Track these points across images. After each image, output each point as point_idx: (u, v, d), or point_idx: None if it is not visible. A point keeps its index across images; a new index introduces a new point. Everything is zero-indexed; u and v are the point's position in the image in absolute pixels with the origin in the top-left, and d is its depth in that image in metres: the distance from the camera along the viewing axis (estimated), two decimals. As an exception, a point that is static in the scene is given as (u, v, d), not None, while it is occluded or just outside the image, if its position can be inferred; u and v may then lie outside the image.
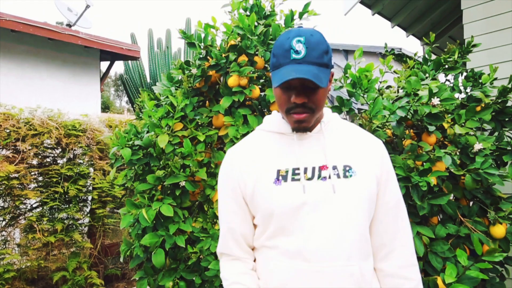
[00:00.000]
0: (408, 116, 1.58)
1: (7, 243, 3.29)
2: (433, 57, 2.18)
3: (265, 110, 1.94)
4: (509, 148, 1.80)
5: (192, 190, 1.70)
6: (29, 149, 3.14)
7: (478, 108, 1.91)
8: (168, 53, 9.87)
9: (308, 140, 1.02)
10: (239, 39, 1.86)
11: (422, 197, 1.43)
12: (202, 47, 1.89)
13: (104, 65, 6.13)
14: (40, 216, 3.34)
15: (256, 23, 1.88)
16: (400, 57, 2.50)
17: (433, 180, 1.40)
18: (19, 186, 3.20)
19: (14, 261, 3.30)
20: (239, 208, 1.05)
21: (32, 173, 3.26)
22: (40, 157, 3.34)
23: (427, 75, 2.03)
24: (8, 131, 3.10)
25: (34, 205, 3.44)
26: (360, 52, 1.81)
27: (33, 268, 3.34)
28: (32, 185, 3.33)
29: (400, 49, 11.26)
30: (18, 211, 3.33)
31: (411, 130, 1.87)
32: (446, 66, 1.92)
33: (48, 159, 3.46)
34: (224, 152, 1.82)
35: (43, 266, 3.41)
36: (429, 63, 2.06)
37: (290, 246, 0.95)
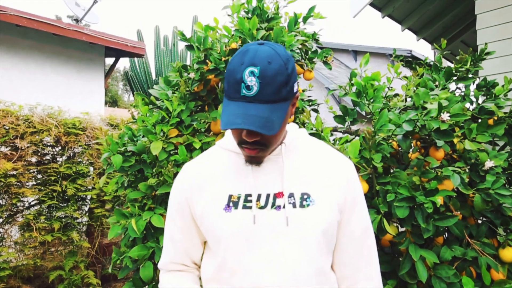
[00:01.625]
0: (415, 130, 1.49)
1: (3, 240, 3.26)
2: (445, 63, 2.08)
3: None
4: (522, 165, 1.70)
5: (186, 200, 1.63)
6: (27, 147, 3.10)
7: (491, 122, 1.81)
8: (174, 51, 9.81)
9: (265, 164, 0.92)
10: (240, 42, 1.78)
11: (427, 218, 1.34)
12: (201, 50, 1.81)
13: (109, 61, 6.09)
14: (38, 215, 3.29)
15: (258, 26, 1.80)
16: (410, 63, 2.40)
17: (439, 200, 1.31)
18: (17, 183, 3.16)
19: (10, 259, 3.27)
20: (185, 225, 0.98)
21: (31, 171, 3.21)
22: (39, 155, 3.30)
23: (437, 83, 1.93)
24: (7, 128, 3.06)
25: (32, 203, 3.40)
26: (367, 60, 1.72)
27: (29, 266, 3.30)
28: (31, 183, 3.28)
29: (410, 51, 11.05)
30: (16, 208, 3.29)
31: (418, 143, 1.77)
32: (457, 76, 1.82)
33: (47, 157, 3.42)
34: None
35: (40, 265, 3.38)
36: (439, 72, 1.96)
37: (238, 283, 0.87)
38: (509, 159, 1.73)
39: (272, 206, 0.88)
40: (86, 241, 3.68)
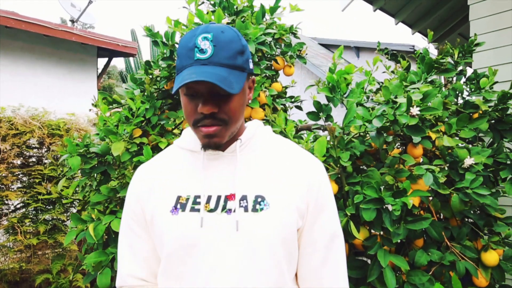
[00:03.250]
0: (387, 125, 1.39)
1: (-12, 244, 3.22)
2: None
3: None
4: (508, 162, 1.59)
5: (149, 203, 1.55)
6: (10, 149, 3.05)
7: (476, 115, 1.71)
8: (173, 50, 9.74)
9: (218, 162, 0.85)
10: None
11: (398, 221, 1.24)
12: (169, 45, 1.73)
13: (103, 62, 6.04)
14: (23, 218, 3.25)
15: (228, 20, 1.71)
16: (395, 56, 2.29)
17: (411, 202, 1.21)
18: (0, 186, 3.12)
19: (-5, 263, 3.23)
20: (143, 232, 0.88)
21: (14, 174, 3.16)
22: (23, 157, 3.25)
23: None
24: (-12, 130, 3.01)
25: (17, 206, 3.35)
26: (340, 52, 1.62)
27: (15, 270, 3.26)
28: (15, 186, 3.24)
29: (413, 46, 10.86)
30: (0, 212, 3.25)
31: (398, 139, 1.67)
32: (440, 68, 1.72)
33: (32, 159, 3.37)
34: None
35: (26, 269, 3.33)
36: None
37: None
38: (495, 156, 1.62)
39: (222, 210, 0.79)
40: (74, 243, 3.63)
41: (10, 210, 3.29)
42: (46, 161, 3.42)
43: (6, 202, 3.20)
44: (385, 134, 1.48)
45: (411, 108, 1.23)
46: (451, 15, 4.15)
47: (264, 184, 0.82)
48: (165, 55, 1.68)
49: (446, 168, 1.46)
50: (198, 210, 0.79)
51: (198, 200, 0.81)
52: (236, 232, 0.77)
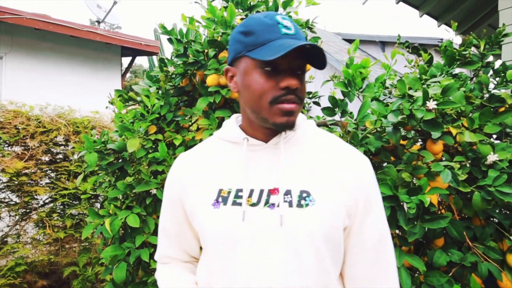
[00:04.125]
0: (405, 120, 1.34)
1: (20, 237, 3.37)
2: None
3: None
4: (537, 158, 1.50)
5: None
6: (37, 146, 3.17)
7: (502, 109, 1.62)
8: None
9: (261, 154, 0.82)
10: (220, 32, 1.69)
11: (415, 219, 1.19)
12: (183, 42, 1.74)
13: (127, 61, 6.19)
14: (51, 212, 3.37)
15: (241, 16, 1.70)
16: (416, 50, 2.20)
17: (429, 199, 1.16)
18: (29, 182, 3.25)
19: (27, 255, 3.37)
20: (177, 220, 0.91)
21: (43, 170, 3.29)
22: (49, 154, 3.37)
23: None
24: (18, 128, 3.14)
25: (46, 201, 3.49)
26: (356, 46, 1.58)
27: (44, 262, 3.39)
28: (44, 182, 3.37)
29: (441, 39, 10.45)
30: (30, 206, 3.39)
31: (417, 135, 1.61)
32: (462, 60, 1.64)
33: (59, 156, 3.49)
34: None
35: (54, 261, 3.47)
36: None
37: None
38: (523, 152, 1.53)
39: (265, 204, 0.77)
40: (98, 237, 3.74)
41: (39, 205, 3.43)
42: (71, 157, 3.54)
43: (36, 197, 3.34)
44: (402, 130, 1.43)
45: (427, 102, 1.17)
46: (479, 6, 3.96)
47: (309, 179, 0.79)
48: (179, 52, 1.69)
49: (468, 165, 1.39)
50: (240, 204, 0.78)
51: (240, 193, 0.79)
52: (280, 227, 0.74)
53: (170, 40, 1.72)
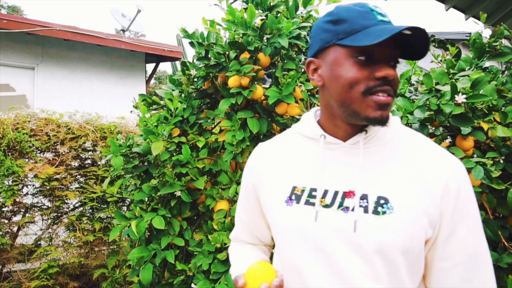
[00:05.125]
0: (432, 116, 1.30)
1: (52, 240, 3.49)
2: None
3: (273, 112, 1.76)
4: None
5: (188, 200, 1.58)
6: (67, 152, 3.28)
7: (537, 104, 1.54)
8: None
9: (338, 153, 0.77)
10: (241, 33, 1.70)
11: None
12: (204, 45, 1.75)
13: (151, 67, 6.33)
14: (80, 216, 3.48)
15: (261, 16, 1.70)
16: (443, 44, 2.13)
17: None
18: (60, 187, 3.37)
19: (58, 257, 3.49)
20: (250, 209, 0.94)
21: (72, 175, 3.40)
22: (79, 159, 3.48)
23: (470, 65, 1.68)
24: (49, 135, 3.27)
25: (76, 205, 3.60)
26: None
27: (75, 264, 3.50)
28: (73, 186, 3.48)
29: (470, 33, 10.09)
30: (61, 210, 3.50)
31: (446, 131, 1.55)
32: (493, 53, 1.57)
33: (88, 161, 3.60)
34: (227, 158, 1.67)
35: (85, 263, 3.57)
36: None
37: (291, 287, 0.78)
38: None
39: (339, 207, 0.73)
40: (125, 240, 3.82)
41: (69, 209, 3.54)
42: (99, 162, 3.64)
43: (66, 201, 3.45)
44: (429, 126, 1.39)
45: (456, 96, 1.13)
46: (510, -4, 3.79)
47: (388, 184, 0.72)
48: (200, 55, 1.71)
49: (502, 161, 1.33)
50: (313, 204, 0.75)
51: (313, 193, 0.76)
52: (353, 233, 0.70)
53: (191, 43, 1.74)
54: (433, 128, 1.50)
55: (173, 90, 1.87)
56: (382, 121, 0.71)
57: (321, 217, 0.73)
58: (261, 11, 1.69)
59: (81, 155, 3.48)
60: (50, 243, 3.46)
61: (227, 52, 1.72)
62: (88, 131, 3.36)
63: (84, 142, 3.40)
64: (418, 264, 0.72)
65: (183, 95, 1.79)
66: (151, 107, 1.79)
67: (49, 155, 3.29)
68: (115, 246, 3.78)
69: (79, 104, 4.78)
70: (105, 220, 3.63)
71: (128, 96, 5.53)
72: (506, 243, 1.29)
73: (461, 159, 1.31)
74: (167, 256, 1.47)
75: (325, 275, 0.72)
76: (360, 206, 0.71)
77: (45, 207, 3.43)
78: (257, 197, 0.90)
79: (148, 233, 1.59)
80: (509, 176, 1.35)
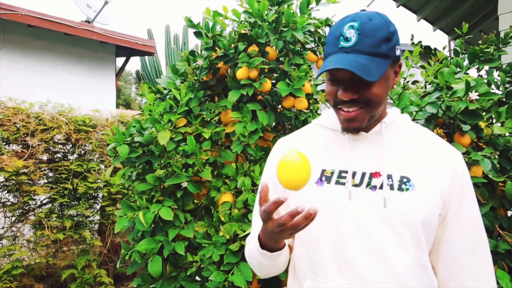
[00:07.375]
0: (439, 113, 1.38)
1: (16, 239, 3.25)
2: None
3: (278, 105, 1.78)
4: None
5: (195, 192, 1.56)
6: (38, 145, 3.08)
7: (519, 106, 1.69)
8: (185, 49, 9.82)
9: (363, 142, 0.87)
10: (249, 27, 1.71)
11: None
12: (210, 36, 1.74)
13: (120, 61, 6.10)
14: (49, 213, 3.28)
15: (269, 9, 1.71)
16: (429, 50, 2.28)
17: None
18: (28, 181, 3.15)
19: (23, 257, 3.26)
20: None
21: (42, 169, 3.20)
22: (50, 152, 3.28)
23: (459, 69, 1.82)
24: (17, 125, 3.05)
25: (44, 201, 3.38)
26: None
27: (42, 265, 3.29)
28: (42, 181, 3.27)
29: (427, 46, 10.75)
30: (28, 207, 3.28)
31: (441, 130, 1.66)
32: (482, 58, 1.70)
33: (58, 155, 3.40)
34: (231, 151, 1.66)
35: (52, 263, 3.36)
36: (461, 56, 1.84)
37: (325, 261, 0.82)
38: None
39: (367, 186, 0.82)
40: (98, 239, 3.65)
41: (37, 205, 3.32)
42: (71, 157, 3.45)
43: (34, 197, 3.23)
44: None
45: (469, 93, 1.22)
46: (473, 12, 4.12)
47: (409, 166, 0.83)
48: (207, 46, 1.69)
49: (496, 157, 1.45)
50: (343, 184, 0.83)
51: (343, 174, 0.84)
52: (384, 209, 0.79)
53: (197, 33, 1.72)
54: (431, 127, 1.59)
55: (174, 79, 1.84)
56: (350, 131, 0.84)
57: (354, 194, 0.82)
58: (270, 6, 1.71)
59: (52, 148, 3.28)
60: (14, 242, 3.22)
61: (232, 45, 1.72)
62: (61, 122, 3.17)
63: (56, 135, 3.21)
64: (432, 235, 0.83)
65: (183, 84, 1.76)
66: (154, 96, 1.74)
67: (17, 147, 3.06)
68: (85, 245, 3.59)
69: (46, 95, 4.49)
70: (75, 218, 3.45)
71: (97, 89, 5.30)
72: (501, 231, 1.40)
73: (464, 153, 1.41)
74: (176, 248, 1.44)
75: (360, 247, 0.80)
76: (387, 184, 0.81)
77: (9, 203, 3.19)
78: (277, 190, 0.92)
79: (153, 225, 1.55)
80: (501, 170, 1.48)
